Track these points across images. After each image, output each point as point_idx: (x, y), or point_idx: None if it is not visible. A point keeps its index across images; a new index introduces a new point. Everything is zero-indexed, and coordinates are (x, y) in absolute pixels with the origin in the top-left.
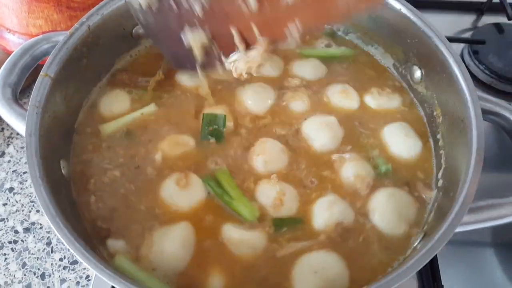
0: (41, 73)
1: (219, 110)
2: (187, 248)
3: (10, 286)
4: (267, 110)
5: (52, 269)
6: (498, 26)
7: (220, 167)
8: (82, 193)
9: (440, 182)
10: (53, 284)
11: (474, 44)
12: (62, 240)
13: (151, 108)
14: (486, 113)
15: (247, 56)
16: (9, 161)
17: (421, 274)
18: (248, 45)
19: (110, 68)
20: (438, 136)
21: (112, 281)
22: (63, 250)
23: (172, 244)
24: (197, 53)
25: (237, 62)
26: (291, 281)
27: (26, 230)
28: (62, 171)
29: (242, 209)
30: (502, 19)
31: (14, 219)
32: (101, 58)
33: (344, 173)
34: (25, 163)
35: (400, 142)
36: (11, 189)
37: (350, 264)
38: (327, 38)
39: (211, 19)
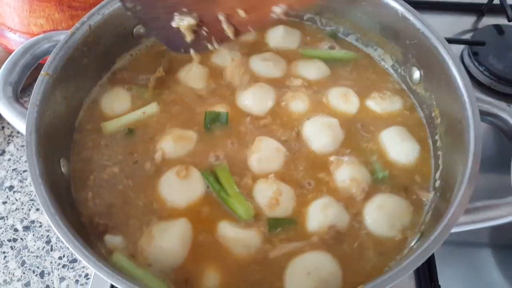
0: (41, 72)
1: (220, 108)
2: (185, 244)
3: (10, 284)
4: (268, 110)
5: (52, 268)
6: (498, 28)
7: (221, 163)
8: (81, 190)
9: (438, 183)
10: (52, 283)
11: (474, 45)
12: (62, 239)
13: (153, 107)
14: (484, 114)
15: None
16: (9, 160)
17: (418, 274)
18: (238, 31)
19: (111, 67)
20: (436, 137)
21: (111, 279)
22: (62, 248)
23: (170, 240)
24: (189, 37)
25: None
26: (285, 282)
27: (26, 228)
28: (62, 169)
29: (237, 207)
30: (502, 21)
31: (13, 218)
32: (102, 57)
33: (340, 176)
34: (25, 161)
35: (398, 147)
36: (11, 188)
37: (343, 266)
38: (329, 39)
39: (199, 5)
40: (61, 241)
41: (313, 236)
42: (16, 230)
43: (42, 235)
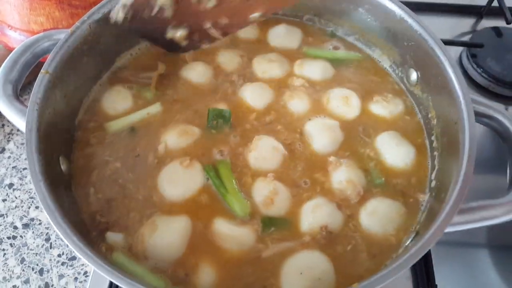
0: (41, 70)
1: (223, 105)
2: (184, 239)
3: (9, 281)
4: (271, 108)
5: (51, 265)
6: (496, 30)
7: (224, 159)
8: (82, 186)
9: (433, 183)
10: (51, 280)
11: (472, 47)
12: (61, 236)
13: (156, 107)
14: (479, 115)
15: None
16: (9, 157)
17: (415, 274)
18: (225, 32)
19: (111, 66)
20: (433, 138)
21: (111, 277)
22: (61, 246)
23: (171, 234)
24: (183, 43)
25: None
26: (279, 281)
27: (25, 226)
28: (62, 167)
29: (234, 204)
30: (501, 23)
31: (13, 215)
32: (102, 56)
33: (337, 177)
34: (25, 159)
35: (393, 151)
36: (10, 185)
37: (336, 265)
38: (333, 40)
39: (187, 18)
40: (60, 239)
41: (305, 235)
42: (15, 227)
43: (41, 232)
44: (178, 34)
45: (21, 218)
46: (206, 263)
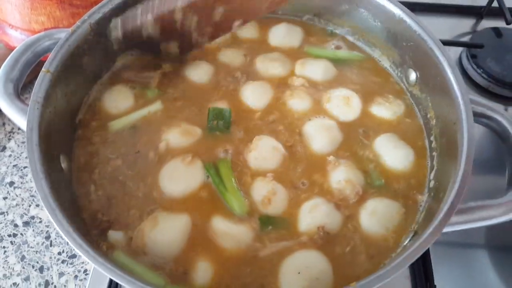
0: (42, 69)
1: (224, 105)
2: (184, 236)
3: (9, 278)
4: (269, 109)
5: (51, 263)
6: (496, 31)
7: (225, 158)
8: (83, 184)
9: (432, 183)
10: (52, 278)
11: (472, 48)
12: (61, 234)
13: (157, 106)
14: (478, 116)
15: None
16: (10, 156)
17: (414, 274)
18: (212, 38)
19: (111, 65)
20: (432, 138)
21: (111, 274)
22: (61, 244)
23: (170, 230)
24: (177, 50)
25: None
26: (276, 282)
27: (26, 224)
28: (62, 165)
29: (233, 202)
30: (501, 24)
31: (14, 213)
32: (103, 55)
33: (335, 176)
34: (26, 157)
35: (391, 153)
36: (11, 183)
37: (334, 265)
38: (336, 39)
39: (176, 35)
40: (61, 237)
41: (303, 235)
42: (16, 225)
43: (41, 230)
44: (170, 47)
45: (21, 216)
46: (204, 261)
